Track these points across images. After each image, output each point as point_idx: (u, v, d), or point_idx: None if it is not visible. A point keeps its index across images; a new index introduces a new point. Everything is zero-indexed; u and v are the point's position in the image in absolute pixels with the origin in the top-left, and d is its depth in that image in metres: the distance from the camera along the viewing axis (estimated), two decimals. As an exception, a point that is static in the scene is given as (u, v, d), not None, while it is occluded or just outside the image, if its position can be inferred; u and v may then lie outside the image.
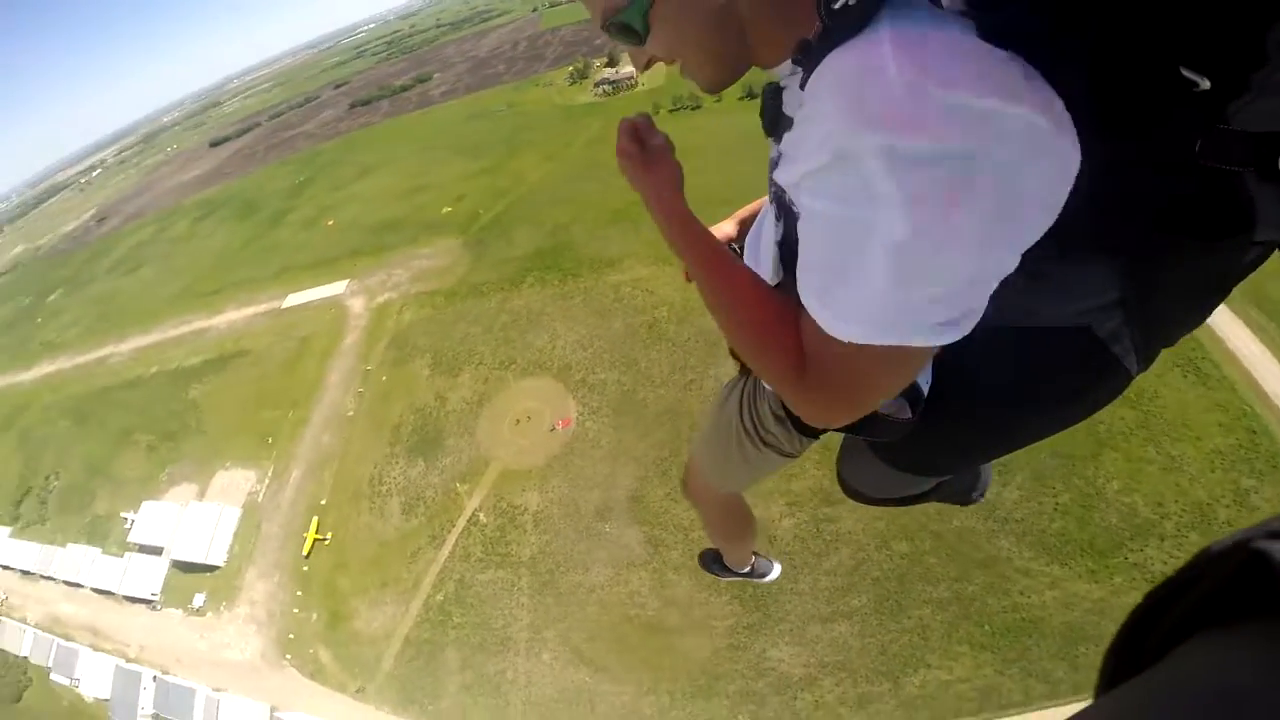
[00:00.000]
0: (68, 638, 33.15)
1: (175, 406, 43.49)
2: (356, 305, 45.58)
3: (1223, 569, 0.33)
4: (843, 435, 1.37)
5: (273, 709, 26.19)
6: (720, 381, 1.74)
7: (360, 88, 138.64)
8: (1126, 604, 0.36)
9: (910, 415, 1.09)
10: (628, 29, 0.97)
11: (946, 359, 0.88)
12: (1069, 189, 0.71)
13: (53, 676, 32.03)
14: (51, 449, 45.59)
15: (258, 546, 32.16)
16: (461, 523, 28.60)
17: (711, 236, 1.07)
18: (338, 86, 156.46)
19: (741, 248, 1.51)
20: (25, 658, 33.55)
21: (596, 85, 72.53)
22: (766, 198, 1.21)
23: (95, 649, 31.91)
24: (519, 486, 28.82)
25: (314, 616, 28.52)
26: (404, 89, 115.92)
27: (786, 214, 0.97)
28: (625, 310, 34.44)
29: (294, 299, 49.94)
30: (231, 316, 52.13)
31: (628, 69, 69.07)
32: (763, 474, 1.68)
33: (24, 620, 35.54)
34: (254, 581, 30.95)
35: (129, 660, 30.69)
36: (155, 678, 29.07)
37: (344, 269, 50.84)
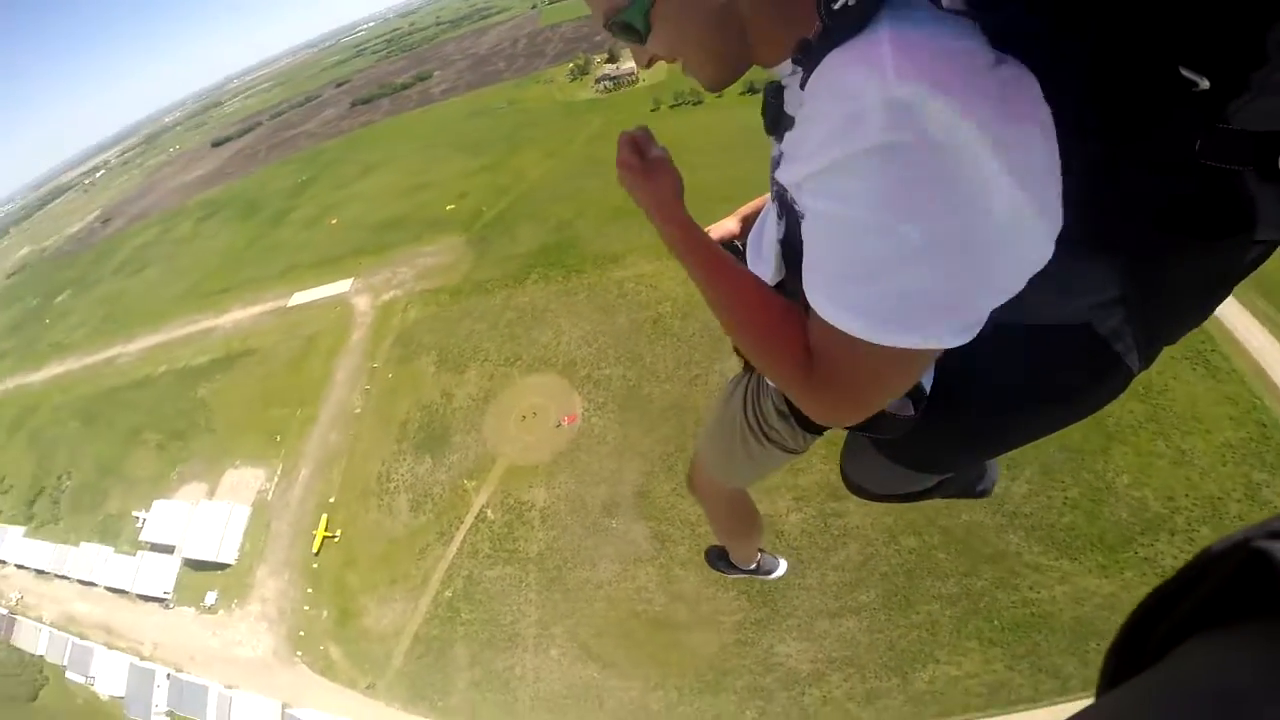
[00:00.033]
0: (82, 636, 33.51)
1: (184, 406, 43.78)
2: (362, 303, 45.71)
3: (1223, 569, 0.33)
4: (846, 431, 1.36)
5: (284, 706, 26.43)
6: (725, 376, 1.75)
7: (361, 86, 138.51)
8: (1137, 599, 0.38)
9: (913, 412, 1.09)
10: (629, 28, 0.97)
11: (949, 356, 0.86)
12: (1059, 192, 0.72)
13: (68, 675, 32.41)
14: (63, 449, 45.98)
15: (268, 544, 32.39)
16: (469, 519, 28.73)
17: (714, 243, 1.09)
18: (338, 85, 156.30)
19: (744, 245, 1.51)
20: (41, 656, 33.95)
21: (597, 81, 72.22)
22: (769, 195, 1.22)
23: (110, 647, 32.26)
24: (526, 482, 28.91)
25: (324, 614, 28.73)
26: (405, 87, 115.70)
27: (789, 212, 0.97)
28: (629, 306, 34.42)
29: (299, 298, 50.13)
30: (238, 316, 52.38)
31: (628, 65, 68.78)
32: (767, 470, 1.69)
33: (39, 619, 35.95)
34: (265, 579, 31.19)
35: (143, 658, 31.03)
36: (169, 675, 29.42)
37: (348, 267, 50.97)
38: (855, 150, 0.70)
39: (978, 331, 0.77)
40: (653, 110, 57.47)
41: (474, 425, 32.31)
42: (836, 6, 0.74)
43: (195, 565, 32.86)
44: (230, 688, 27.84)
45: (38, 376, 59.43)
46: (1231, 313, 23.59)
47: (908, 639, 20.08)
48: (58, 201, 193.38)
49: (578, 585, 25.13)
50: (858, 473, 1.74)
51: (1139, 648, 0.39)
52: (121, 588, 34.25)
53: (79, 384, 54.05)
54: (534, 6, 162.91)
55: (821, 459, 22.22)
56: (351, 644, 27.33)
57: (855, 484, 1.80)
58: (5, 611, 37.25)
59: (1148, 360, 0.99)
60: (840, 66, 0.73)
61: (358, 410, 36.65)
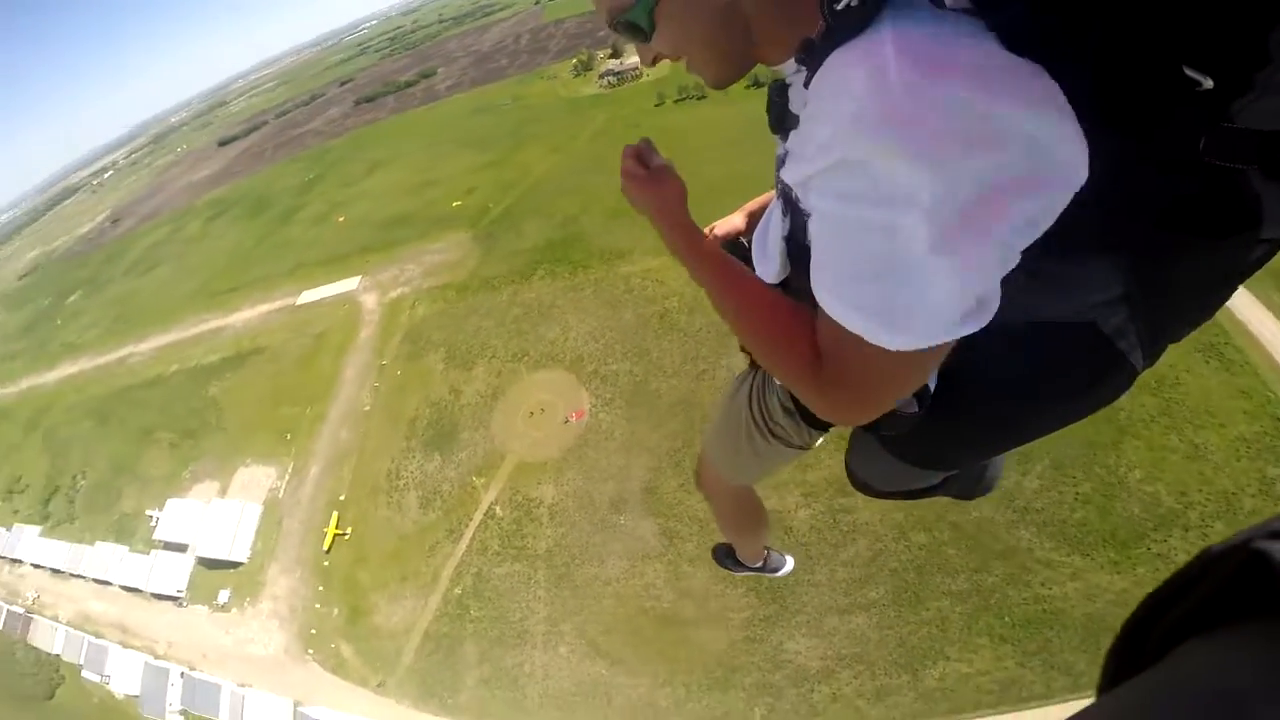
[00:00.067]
0: (98, 635, 33.95)
1: (195, 404, 44.17)
2: (370, 301, 45.88)
3: (1223, 569, 0.34)
4: (851, 428, 1.38)
5: (296, 704, 26.66)
6: (732, 371, 1.73)
7: (365, 84, 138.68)
8: (1169, 576, 0.39)
9: (917, 409, 1.10)
10: (634, 27, 0.98)
11: (953, 353, 0.85)
12: (1080, 181, 0.72)
13: (84, 674, 32.84)
14: (77, 449, 46.51)
15: (279, 542, 32.66)
16: (478, 516, 28.84)
17: (719, 248, 1.11)
18: (343, 84, 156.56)
19: (750, 241, 1.49)
20: (58, 655, 34.41)
21: (601, 77, 71.93)
22: (774, 191, 1.22)
23: (124, 646, 32.68)
24: (534, 479, 28.98)
25: (335, 611, 28.96)
26: (409, 85, 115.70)
27: (793, 210, 0.98)
28: (636, 301, 34.36)
29: (308, 296, 50.38)
30: (247, 314, 52.74)
31: (632, 60, 68.43)
32: (773, 466, 1.70)
33: (56, 618, 36.45)
34: (276, 577, 31.46)
35: (157, 657, 31.39)
36: (183, 674, 29.74)
37: (356, 265, 51.15)
38: (859, 150, 0.71)
39: (989, 318, 0.77)
40: (657, 105, 57.25)
41: (482, 422, 32.40)
42: (839, 7, 0.74)
43: (208, 564, 33.20)
44: (243, 686, 28.13)
45: (51, 376, 60.10)
46: (1246, 305, 23.25)
47: (918, 636, 19.99)
48: (67, 203, 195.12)
49: (586, 582, 25.20)
50: (863, 469, 1.74)
51: (1139, 648, 0.40)
52: (136, 586, 34.67)
53: (91, 384, 54.63)
54: (537, 2, 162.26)
55: (830, 454, 22.05)
56: (362, 641, 27.54)
57: (860, 480, 1.80)
58: (22, 611, 37.82)
59: (1152, 358, 0.99)
60: (843, 66, 0.74)
61: (367, 408, 36.84)
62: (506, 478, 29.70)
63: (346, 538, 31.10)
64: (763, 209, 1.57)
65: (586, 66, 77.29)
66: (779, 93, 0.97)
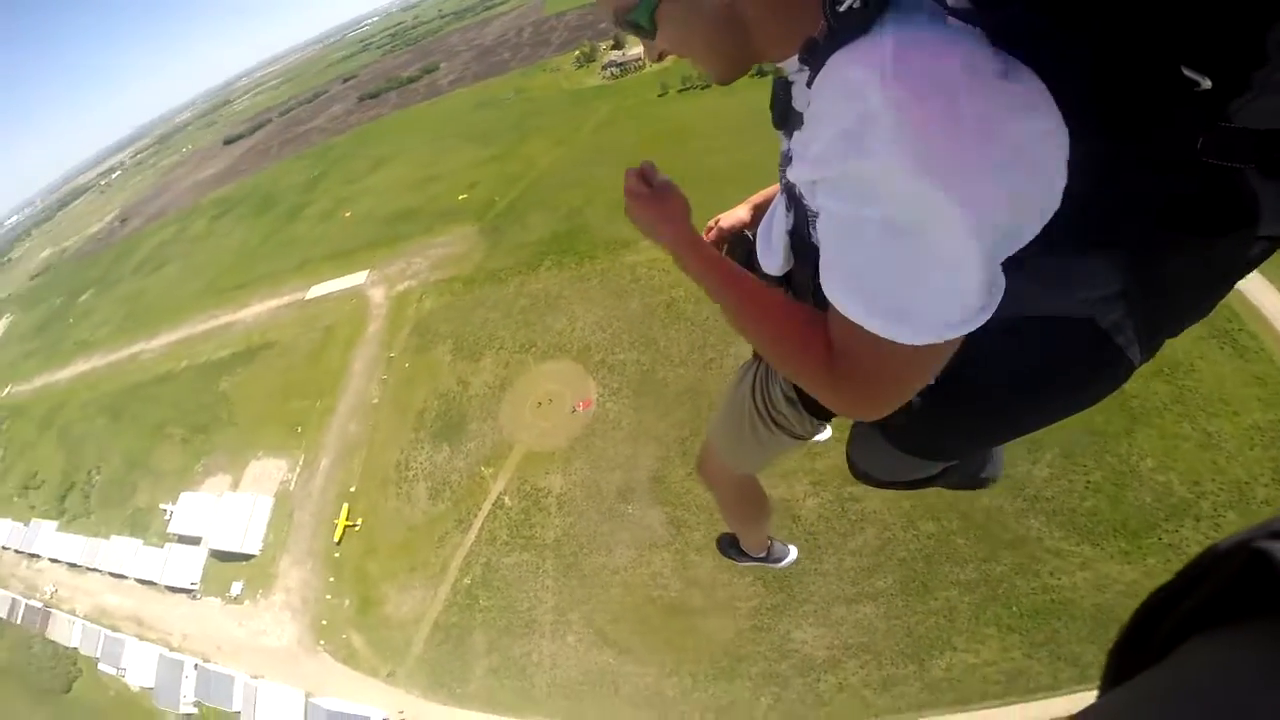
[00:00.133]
0: (114, 628, 34.44)
1: (206, 399, 44.57)
2: (377, 294, 46.02)
3: (1225, 568, 0.34)
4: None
5: (308, 695, 26.94)
6: (739, 360, 1.74)
7: (368, 80, 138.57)
8: (1172, 574, 0.40)
9: (917, 400, 1.11)
10: (637, 26, 1.01)
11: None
12: (1064, 181, 0.75)
13: (100, 666, 33.32)
14: (91, 444, 47.13)
15: (291, 534, 32.98)
16: (487, 506, 28.97)
17: (725, 257, 1.14)
18: (345, 80, 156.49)
19: (754, 234, 1.52)
20: (75, 649, 34.93)
21: (604, 68, 71.45)
22: (778, 186, 1.25)
23: (140, 639, 33.13)
24: (542, 469, 29.06)
25: (346, 602, 29.24)
26: (411, 80, 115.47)
27: (797, 205, 1.03)
28: (642, 290, 34.25)
29: (316, 290, 50.61)
30: (256, 310, 53.08)
31: (634, 51, 67.84)
32: (775, 455, 1.74)
33: (73, 612, 37.01)
34: (288, 569, 31.79)
35: (172, 649, 31.79)
36: (197, 666, 30.10)
37: (363, 259, 51.29)
38: (863, 152, 0.72)
39: (994, 310, 0.78)
40: (660, 95, 56.81)
41: (490, 413, 32.50)
42: (842, 8, 0.76)
43: (221, 556, 33.59)
44: (256, 677, 28.48)
45: (64, 374, 60.89)
46: (1260, 291, 22.79)
47: (925, 625, 19.89)
48: (77, 203, 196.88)
49: (594, 571, 25.29)
50: (864, 459, 1.75)
51: (1142, 647, 0.40)
52: (150, 579, 35.15)
53: (104, 381, 55.26)
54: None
55: (839, 443, 21.74)
56: (372, 632, 27.81)
57: (861, 470, 1.83)
58: (40, 605, 38.43)
59: (1149, 353, 1.01)
60: (845, 67, 0.76)
61: (376, 400, 37.05)
62: (514, 468, 29.80)
63: (357, 529, 31.36)
64: (767, 202, 1.62)
65: (589, 58, 76.80)
66: (783, 90, 0.99)
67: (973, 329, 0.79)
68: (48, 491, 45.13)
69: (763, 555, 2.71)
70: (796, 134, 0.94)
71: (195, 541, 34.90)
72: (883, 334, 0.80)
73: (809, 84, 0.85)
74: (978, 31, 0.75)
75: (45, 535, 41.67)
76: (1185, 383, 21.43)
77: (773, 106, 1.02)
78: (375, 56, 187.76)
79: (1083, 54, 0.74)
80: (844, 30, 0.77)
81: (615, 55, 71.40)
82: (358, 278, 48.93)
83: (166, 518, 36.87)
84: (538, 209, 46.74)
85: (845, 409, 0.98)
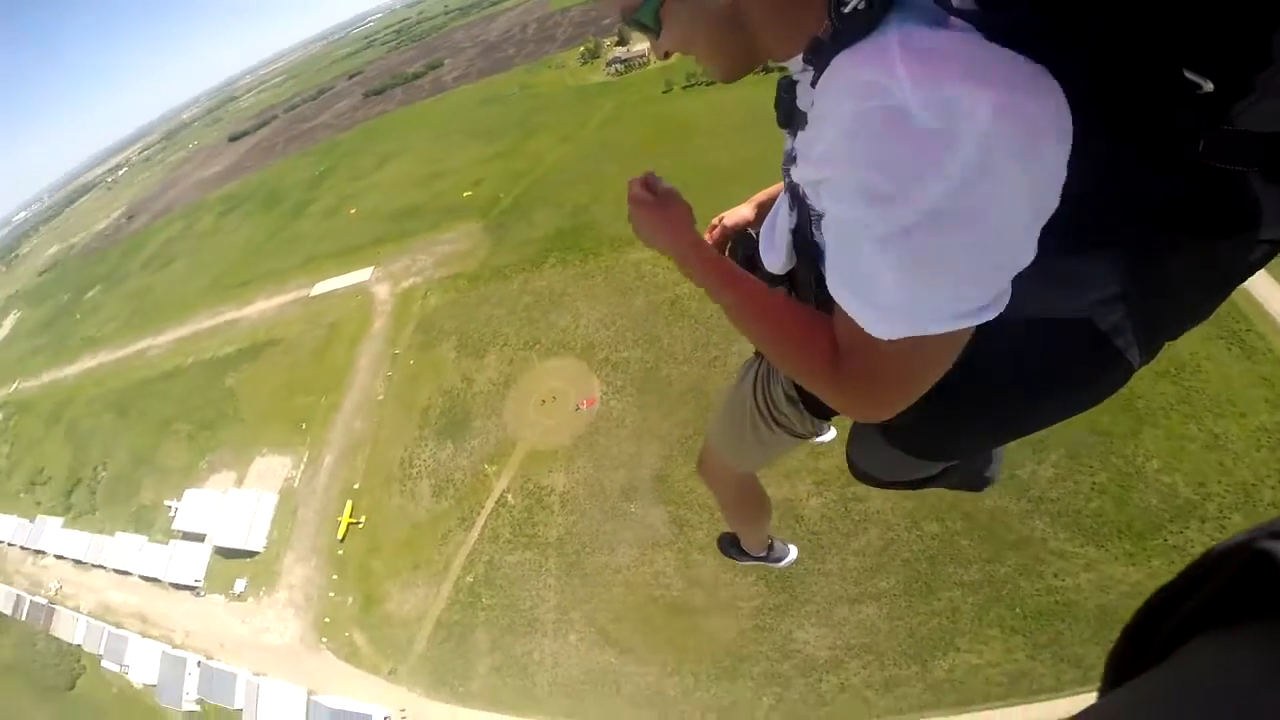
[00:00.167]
0: (118, 625, 34.62)
1: (212, 396, 44.80)
2: (382, 291, 46.13)
3: (1226, 569, 0.34)
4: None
5: (310, 693, 27.03)
6: (743, 358, 1.72)
7: (373, 77, 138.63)
8: (1173, 576, 0.41)
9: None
10: (642, 25, 1.03)
11: None
12: (1063, 179, 0.74)
13: (104, 664, 33.51)
14: (97, 441, 47.42)
15: (295, 531, 33.09)
16: (490, 504, 29.00)
17: (729, 261, 1.15)
18: (351, 77, 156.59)
19: (758, 232, 1.52)
20: (79, 646, 35.14)
21: (608, 65, 71.31)
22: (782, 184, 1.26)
23: (144, 636, 33.30)
24: (545, 467, 29.06)
25: (349, 600, 29.34)
26: (416, 76, 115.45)
27: (800, 205, 1.03)
28: (647, 288, 34.19)
29: (321, 287, 50.76)
30: (262, 306, 53.29)
31: (639, 47, 67.78)
32: (776, 454, 1.75)
33: (77, 609, 37.25)
34: (292, 566, 31.90)
35: (175, 646, 31.93)
36: (199, 663, 30.23)
37: (368, 256, 51.43)
38: (865, 153, 0.73)
39: (1002, 307, 0.79)
40: (665, 92, 56.67)
41: (494, 410, 32.53)
42: (846, 10, 0.76)
43: (225, 553, 33.72)
44: (258, 675, 28.58)
45: (71, 370, 61.26)
46: (1268, 291, 22.59)
47: (928, 626, 19.81)
48: (84, 199, 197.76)
49: (596, 570, 25.29)
50: (863, 459, 1.76)
51: (1142, 648, 0.40)
52: (155, 576, 35.33)
53: (111, 377, 55.58)
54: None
55: (843, 442, 21.83)
56: (375, 630, 27.89)
57: (861, 470, 1.83)
58: (45, 602, 38.68)
59: (1149, 355, 1.00)
60: (850, 68, 0.77)
61: (380, 397, 37.14)
62: (518, 466, 29.81)
63: (360, 526, 31.44)
64: (771, 200, 1.63)
65: (594, 54, 76.68)
66: (787, 89, 0.98)
67: (980, 322, 0.78)
68: (54, 488, 45.43)
69: (763, 555, 2.72)
70: (801, 134, 0.94)
71: (199, 538, 35.04)
72: (888, 334, 0.80)
73: (813, 84, 0.85)
74: (982, 32, 0.74)
75: (51, 532, 41.95)
76: (1192, 383, 21.27)
77: (777, 106, 1.02)
78: (380, 53, 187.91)
79: (1085, 56, 0.74)
80: (849, 31, 0.77)
81: (620, 52, 71.27)
82: (363, 274, 49.06)
83: (171, 514, 37.06)
84: (542, 205, 46.74)
85: (852, 410, 0.98)
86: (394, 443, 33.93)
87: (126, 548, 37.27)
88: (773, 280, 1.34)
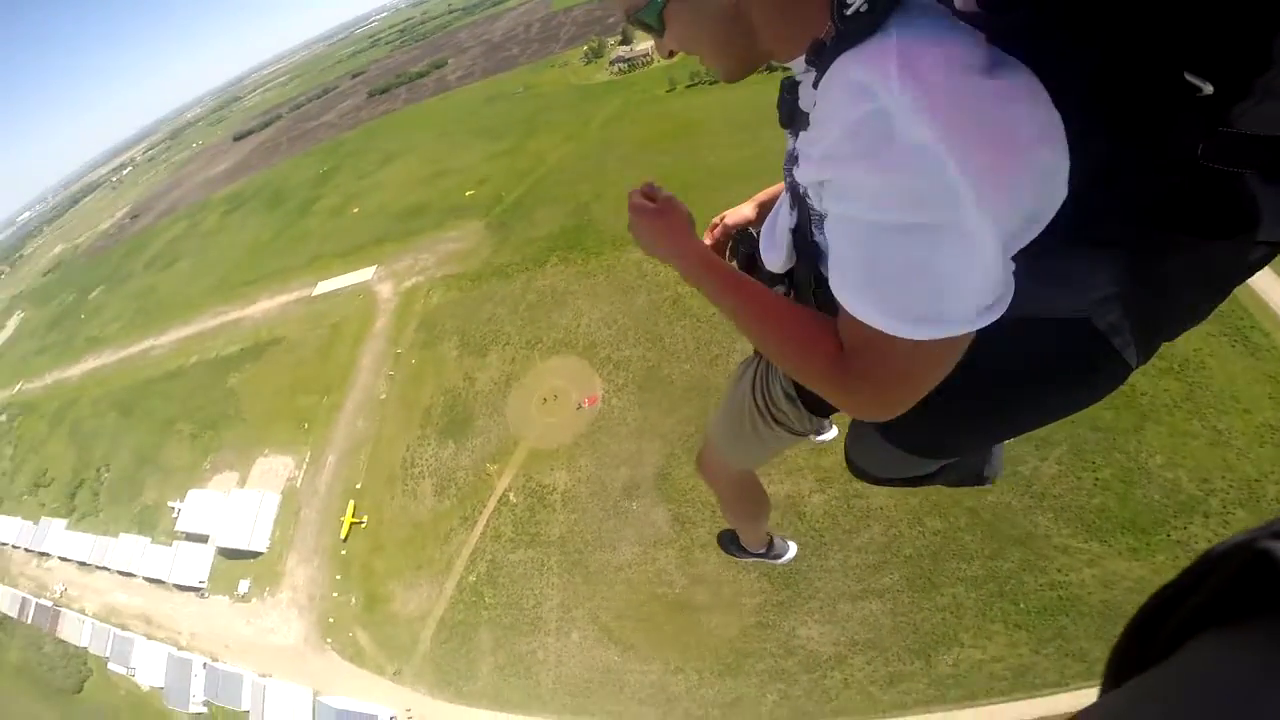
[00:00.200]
0: (123, 627, 34.71)
1: (215, 395, 44.87)
2: (385, 290, 46.17)
3: (1227, 569, 0.34)
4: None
5: (315, 693, 27.10)
6: (744, 356, 1.75)
7: (377, 76, 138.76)
8: (1173, 575, 0.41)
9: None
10: (646, 25, 1.04)
11: None
12: (1065, 185, 0.76)
13: (110, 666, 33.61)
14: (101, 441, 47.54)
15: (297, 531, 33.16)
16: (492, 503, 29.02)
17: (731, 266, 1.19)
18: (355, 76, 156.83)
19: (759, 231, 1.53)
20: (85, 648, 35.21)
21: (612, 63, 71.31)
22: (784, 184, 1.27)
23: (149, 638, 33.40)
24: (547, 465, 29.09)
25: (352, 600, 29.40)
26: (420, 75, 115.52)
27: (801, 205, 1.04)
28: (649, 286, 34.17)
29: (324, 286, 50.82)
30: (265, 305, 53.36)
31: (643, 46, 67.79)
32: (775, 452, 1.76)
33: (82, 611, 37.35)
34: (295, 566, 31.97)
35: (180, 648, 32.02)
36: (205, 665, 30.30)
37: (372, 255, 51.47)
38: (868, 154, 0.74)
39: (1005, 308, 0.79)
40: (668, 91, 56.63)
41: (496, 409, 32.56)
42: (848, 12, 0.77)
43: (228, 554, 33.79)
44: (264, 676, 28.66)
45: (75, 370, 61.45)
46: (1272, 289, 22.51)
47: (932, 622, 19.79)
48: (88, 199, 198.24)
49: (599, 568, 25.32)
50: (862, 457, 1.76)
51: (1144, 647, 0.40)
52: (159, 578, 35.42)
53: (115, 377, 55.72)
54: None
55: (844, 440, 21.85)
56: (379, 629, 27.95)
57: (859, 467, 1.84)
58: (50, 604, 38.79)
59: (1146, 355, 1.01)
60: (852, 69, 0.77)
61: (383, 396, 37.19)
62: (520, 464, 29.84)
63: (363, 526, 31.50)
64: (772, 200, 1.65)
65: (597, 54, 76.67)
66: (789, 90, 0.99)
67: (986, 323, 0.79)
68: (58, 489, 45.55)
69: (762, 551, 2.74)
70: (803, 134, 0.95)
71: (203, 539, 35.09)
72: (895, 333, 0.80)
73: (815, 85, 0.86)
74: (983, 35, 0.76)
75: (55, 533, 42.03)
76: (1195, 379, 21.21)
77: (780, 106, 1.03)
78: (384, 52, 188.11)
79: (1087, 58, 0.75)
80: (851, 33, 0.77)
81: (623, 50, 71.26)
82: (366, 273, 49.10)
83: (174, 515, 37.11)
84: (545, 204, 46.74)
85: (857, 410, 0.98)
86: (396, 442, 33.98)
87: (130, 549, 37.34)
88: (772, 279, 1.35)
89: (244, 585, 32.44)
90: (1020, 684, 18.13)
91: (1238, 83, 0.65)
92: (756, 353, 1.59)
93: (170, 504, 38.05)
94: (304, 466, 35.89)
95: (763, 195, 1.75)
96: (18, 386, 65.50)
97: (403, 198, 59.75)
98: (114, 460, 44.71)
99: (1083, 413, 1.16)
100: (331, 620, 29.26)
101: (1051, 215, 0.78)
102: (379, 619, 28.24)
